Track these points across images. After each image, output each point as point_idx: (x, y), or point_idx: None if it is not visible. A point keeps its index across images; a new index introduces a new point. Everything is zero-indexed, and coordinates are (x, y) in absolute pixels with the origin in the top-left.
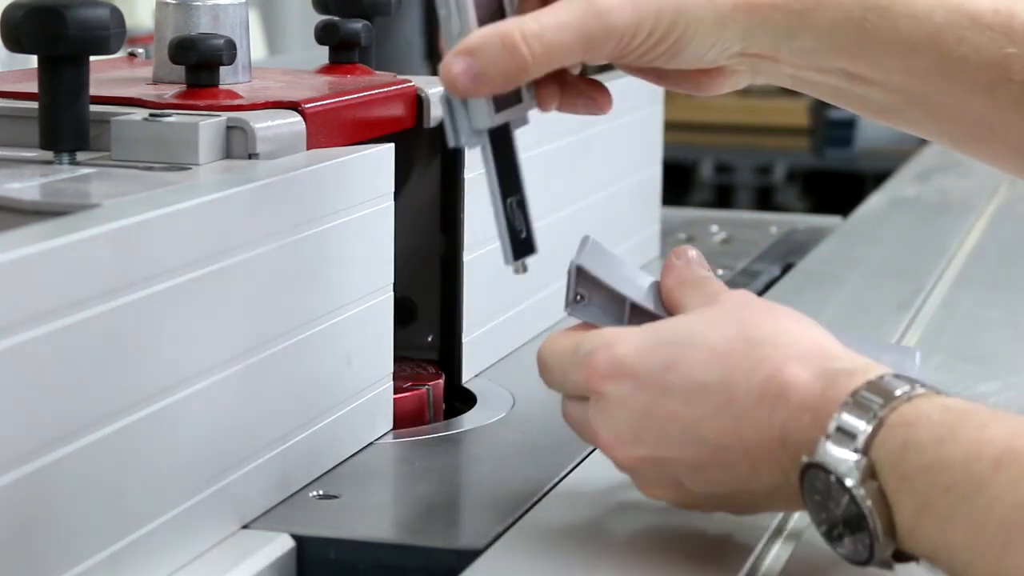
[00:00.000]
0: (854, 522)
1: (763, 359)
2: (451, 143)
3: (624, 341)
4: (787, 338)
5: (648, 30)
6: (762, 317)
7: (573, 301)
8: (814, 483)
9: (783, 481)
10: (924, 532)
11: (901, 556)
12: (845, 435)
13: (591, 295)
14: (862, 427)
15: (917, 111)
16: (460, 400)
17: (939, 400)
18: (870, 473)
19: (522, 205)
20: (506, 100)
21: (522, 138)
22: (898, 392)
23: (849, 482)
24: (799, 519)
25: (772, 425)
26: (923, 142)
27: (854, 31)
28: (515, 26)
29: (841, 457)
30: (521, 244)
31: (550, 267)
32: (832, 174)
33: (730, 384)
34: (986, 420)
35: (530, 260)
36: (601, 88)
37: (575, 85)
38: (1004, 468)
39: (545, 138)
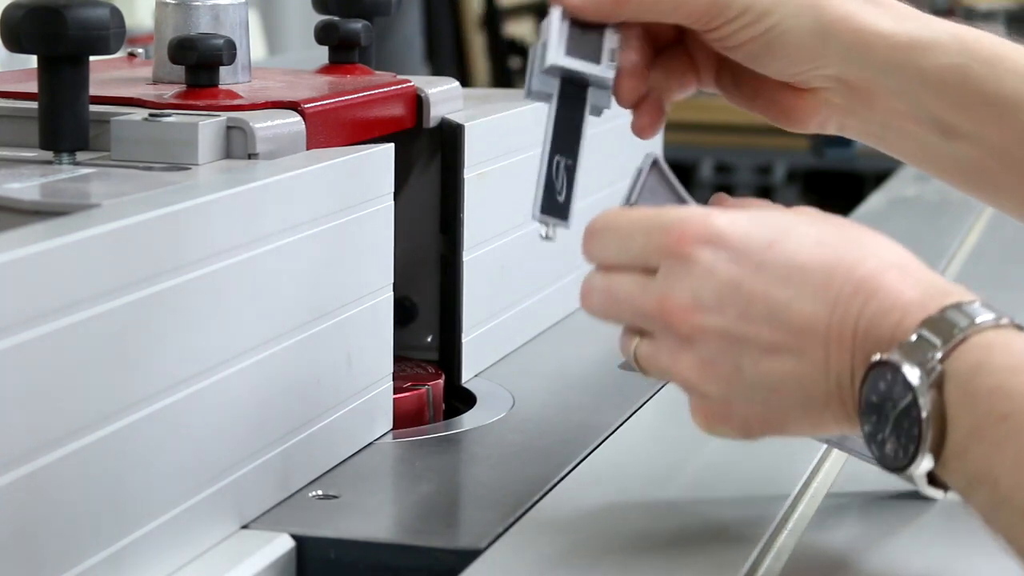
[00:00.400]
0: (904, 426)
1: (868, 256)
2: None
3: (722, 214)
4: (888, 250)
5: (744, 6)
6: (860, 229)
7: (638, 194)
8: (877, 382)
9: (848, 383)
10: (975, 456)
11: (934, 482)
12: (926, 342)
13: (655, 194)
14: (944, 340)
15: (1009, 176)
16: (460, 400)
17: (1022, 335)
18: (938, 383)
19: (570, 171)
20: (582, 51)
21: (519, 138)
22: (986, 318)
23: (916, 383)
24: (797, 521)
25: (860, 317)
26: None
27: (958, 78)
28: None
29: (917, 360)
30: (553, 204)
31: (549, 267)
32: (832, 174)
33: (831, 271)
34: None
35: (528, 259)
36: (662, 116)
37: (655, 101)
38: None
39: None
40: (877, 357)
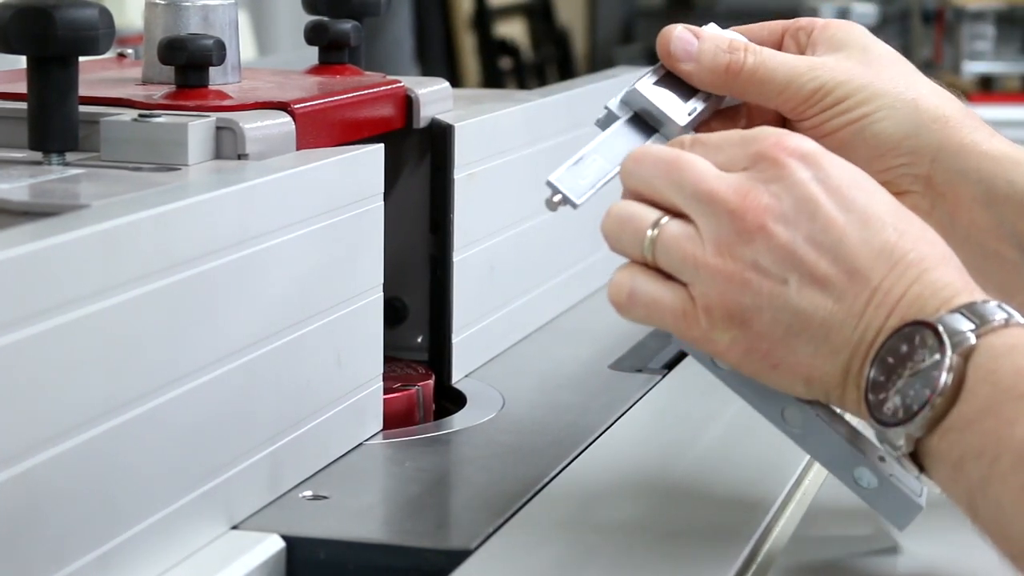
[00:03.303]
0: (918, 385)
1: (936, 241)
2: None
3: (816, 144)
4: (949, 252)
5: (844, 94)
6: (925, 224)
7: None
8: (901, 343)
9: (871, 340)
10: (984, 428)
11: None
12: (966, 319)
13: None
14: (987, 320)
15: None
16: (450, 400)
17: None
18: (966, 353)
19: (601, 172)
20: (668, 95)
21: (509, 138)
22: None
23: (948, 344)
24: (787, 519)
25: (915, 283)
26: None
27: None
28: (740, 43)
29: (952, 328)
30: (573, 179)
31: (539, 268)
32: None
33: (904, 233)
34: None
35: (518, 260)
36: None
37: None
38: None
39: (538, 137)
40: (915, 318)
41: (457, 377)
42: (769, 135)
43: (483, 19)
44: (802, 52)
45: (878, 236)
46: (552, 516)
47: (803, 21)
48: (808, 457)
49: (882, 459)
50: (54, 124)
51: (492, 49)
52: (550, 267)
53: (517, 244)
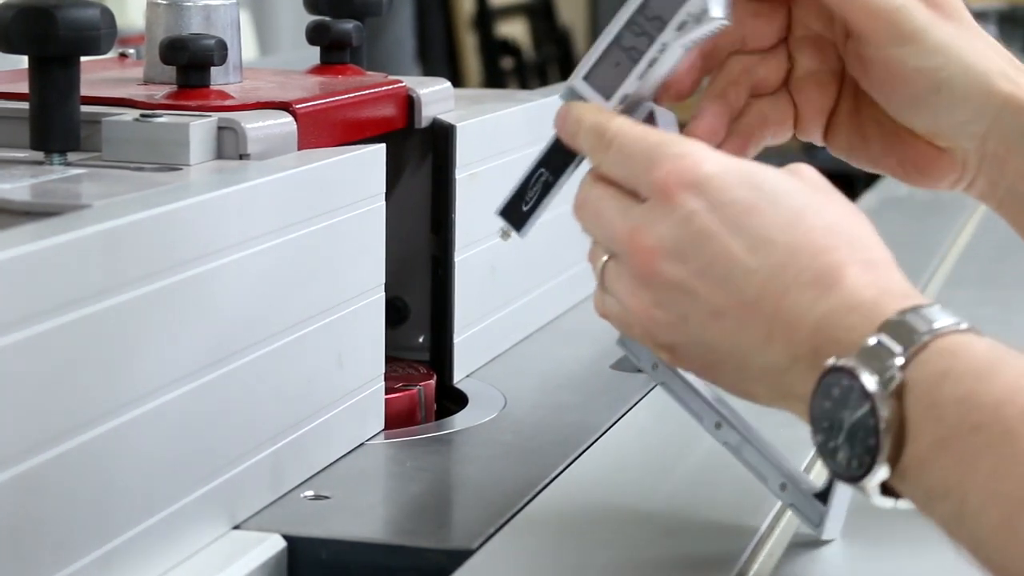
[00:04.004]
0: (860, 436)
1: (836, 247)
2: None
3: (717, 160)
4: (862, 242)
5: (923, 25)
6: (845, 210)
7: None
8: (831, 387)
9: (785, 367)
10: (941, 467)
11: (887, 490)
12: (884, 349)
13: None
14: (904, 346)
15: None
16: (451, 400)
17: (987, 339)
18: (898, 392)
19: (547, 188)
20: (603, 82)
21: (510, 138)
22: (946, 323)
23: (875, 391)
24: (791, 518)
25: (813, 309)
26: None
27: None
28: None
29: (875, 367)
30: (515, 209)
31: (540, 268)
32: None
33: (794, 254)
34: None
35: (519, 260)
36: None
37: (740, 143)
38: None
39: (539, 137)
40: (832, 362)
41: (458, 377)
42: (664, 162)
43: (484, 19)
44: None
45: (768, 261)
46: (553, 516)
47: None
48: (810, 456)
49: (783, 487)
50: (56, 124)
51: (494, 49)
52: (551, 267)
53: (518, 244)
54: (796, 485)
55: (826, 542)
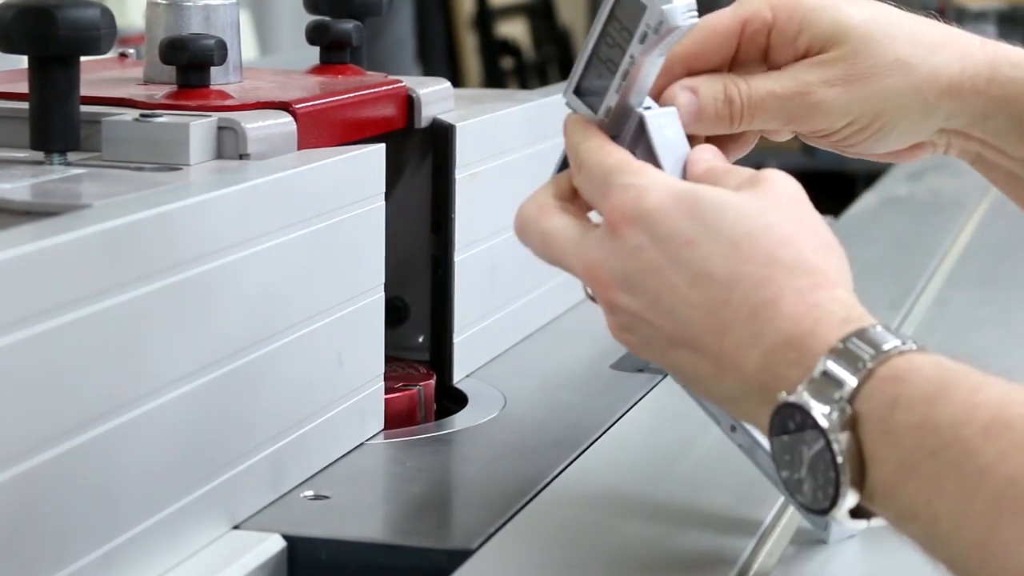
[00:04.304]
0: (821, 469)
1: (770, 279)
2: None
3: (660, 192)
4: (801, 266)
5: (854, 115)
6: (790, 231)
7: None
8: (786, 423)
9: (740, 395)
10: (907, 493)
11: (858, 512)
12: (831, 381)
13: (638, 145)
14: (850, 376)
15: None
16: (451, 400)
17: (931, 357)
18: (851, 423)
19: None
20: (592, 92)
21: (510, 138)
22: (889, 345)
23: (826, 426)
24: (791, 518)
25: (755, 346)
26: None
27: None
28: (733, 83)
29: (823, 403)
30: (585, 85)
31: (540, 268)
32: (824, 174)
33: (732, 288)
34: (979, 382)
35: (519, 260)
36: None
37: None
38: (994, 438)
39: (539, 137)
40: (783, 398)
41: (458, 377)
42: (612, 193)
43: (484, 19)
44: (767, 54)
45: (707, 296)
46: (553, 516)
47: (755, 18)
48: None
49: None
50: (56, 124)
51: (494, 49)
52: (551, 267)
53: (518, 244)
54: None
55: (817, 545)
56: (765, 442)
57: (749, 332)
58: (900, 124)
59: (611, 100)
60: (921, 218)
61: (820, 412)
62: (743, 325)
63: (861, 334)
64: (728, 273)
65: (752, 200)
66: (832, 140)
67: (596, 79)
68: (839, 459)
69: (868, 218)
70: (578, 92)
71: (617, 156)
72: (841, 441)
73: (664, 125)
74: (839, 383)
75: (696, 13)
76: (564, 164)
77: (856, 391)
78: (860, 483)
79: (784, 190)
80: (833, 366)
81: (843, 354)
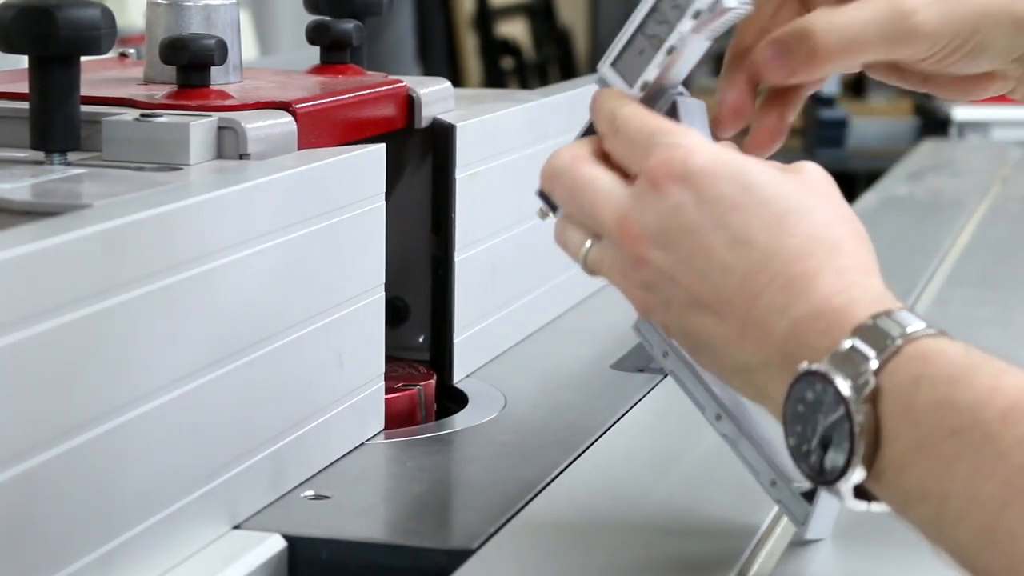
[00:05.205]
0: (835, 440)
1: (811, 254)
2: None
3: (708, 153)
4: (842, 249)
5: (951, 35)
6: (830, 216)
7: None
8: (804, 391)
9: (757, 367)
10: (918, 472)
11: (861, 493)
12: (858, 354)
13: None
14: (877, 351)
15: None
16: (452, 400)
17: (958, 343)
18: (872, 397)
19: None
20: (628, 69)
21: (517, 137)
22: (917, 327)
23: (849, 395)
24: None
25: (785, 315)
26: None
27: None
28: (817, 19)
29: (849, 372)
30: (623, 60)
31: (540, 267)
32: None
33: (771, 258)
34: (1003, 369)
35: (520, 260)
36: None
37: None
38: (1012, 424)
39: (539, 137)
40: (805, 366)
41: (459, 377)
42: (657, 151)
43: (485, 19)
44: None
45: (744, 262)
46: (554, 516)
47: None
48: None
49: (773, 483)
50: (56, 124)
51: (494, 49)
52: (552, 267)
53: (519, 244)
54: (786, 482)
55: (826, 542)
56: (763, 427)
57: (782, 301)
58: (993, 45)
59: (650, 75)
60: (921, 218)
61: (843, 382)
62: (776, 294)
63: (890, 315)
64: (769, 242)
65: (793, 183)
66: (925, 64)
67: (637, 55)
68: (856, 429)
69: (868, 218)
70: (614, 66)
71: (661, 120)
72: (860, 413)
73: (694, 113)
74: (865, 357)
75: (751, 2)
76: (586, 135)
77: (882, 366)
78: (871, 459)
79: (820, 178)
80: (860, 342)
81: (872, 330)
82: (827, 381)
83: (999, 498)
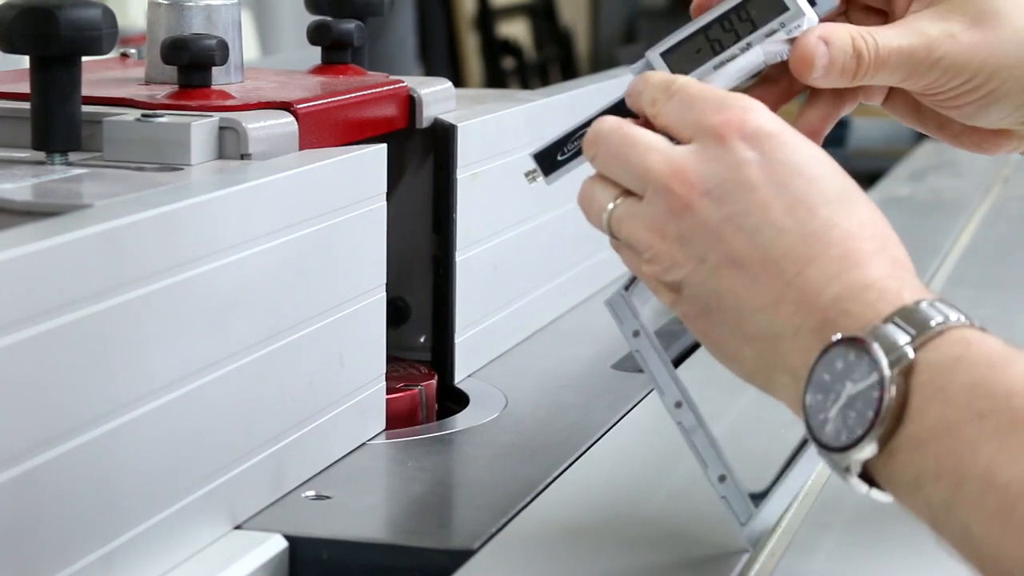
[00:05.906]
0: (858, 407)
1: (871, 237)
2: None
3: (781, 123)
4: (894, 243)
5: (970, 74)
6: (881, 216)
7: None
8: (835, 361)
9: (784, 334)
10: (939, 450)
11: (866, 478)
12: (900, 329)
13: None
14: (920, 329)
15: None
16: (453, 400)
17: (1000, 338)
18: (906, 371)
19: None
20: (681, 62)
21: (511, 138)
22: (959, 317)
23: (885, 363)
24: (791, 519)
25: (834, 281)
26: (916, 142)
27: None
28: (861, 37)
29: (888, 343)
30: (549, 157)
31: (541, 268)
32: None
33: (831, 228)
34: None
35: (521, 260)
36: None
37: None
38: None
39: (540, 137)
40: (843, 334)
41: (460, 377)
42: (732, 109)
43: (486, 19)
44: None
45: (802, 226)
46: (555, 516)
47: None
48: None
49: (722, 479)
50: (57, 124)
51: (495, 49)
52: (553, 267)
53: (520, 244)
54: (735, 480)
55: (826, 542)
56: (708, 426)
57: (836, 268)
58: (1011, 92)
59: (701, 74)
60: (922, 218)
61: (880, 352)
62: (831, 262)
63: (935, 303)
64: (831, 216)
65: (848, 177)
66: (938, 99)
67: (693, 52)
68: (886, 399)
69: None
70: (664, 55)
71: (715, 89)
72: (893, 384)
73: None
74: (908, 332)
75: None
76: (601, 115)
77: (923, 344)
78: (888, 435)
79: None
80: (903, 320)
81: (916, 313)
82: (864, 349)
83: (1016, 487)
